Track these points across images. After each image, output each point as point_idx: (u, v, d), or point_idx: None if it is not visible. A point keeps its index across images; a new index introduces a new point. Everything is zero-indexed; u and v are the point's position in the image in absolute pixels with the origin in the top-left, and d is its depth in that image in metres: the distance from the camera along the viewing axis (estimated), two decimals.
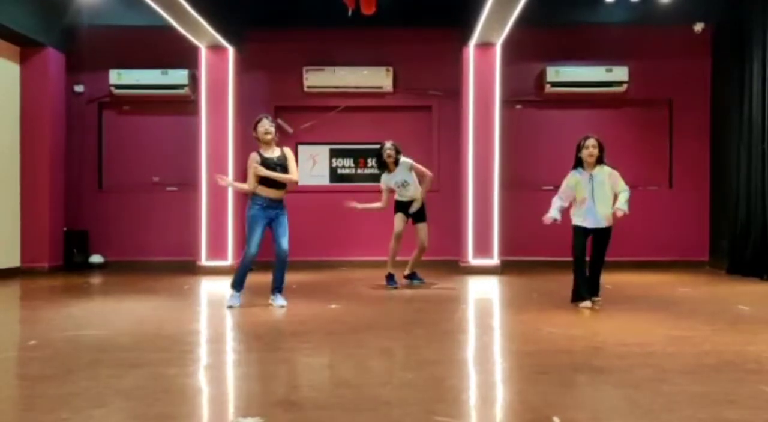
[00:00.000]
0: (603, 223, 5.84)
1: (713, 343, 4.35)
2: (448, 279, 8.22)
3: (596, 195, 5.80)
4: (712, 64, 9.91)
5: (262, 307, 5.94)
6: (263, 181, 5.90)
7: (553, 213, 5.91)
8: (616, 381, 3.46)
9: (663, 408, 2.93)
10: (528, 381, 3.52)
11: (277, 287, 6.01)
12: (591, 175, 5.82)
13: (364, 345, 4.42)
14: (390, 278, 7.44)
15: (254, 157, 5.93)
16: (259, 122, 5.98)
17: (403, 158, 7.42)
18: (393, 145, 7.42)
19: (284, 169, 5.92)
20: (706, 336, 4.60)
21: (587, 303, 5.83)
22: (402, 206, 7.50)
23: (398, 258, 7.52)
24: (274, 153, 5.96)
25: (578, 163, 5.88)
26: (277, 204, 5.94)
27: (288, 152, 6.04)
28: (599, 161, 5.83)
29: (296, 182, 6.14)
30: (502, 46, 8.98)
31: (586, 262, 5.93)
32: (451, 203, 9.54)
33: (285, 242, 5.91)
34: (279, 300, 5.97)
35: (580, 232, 5.87)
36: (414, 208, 7.43)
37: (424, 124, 10.16)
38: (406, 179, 7.40)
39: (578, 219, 5.89)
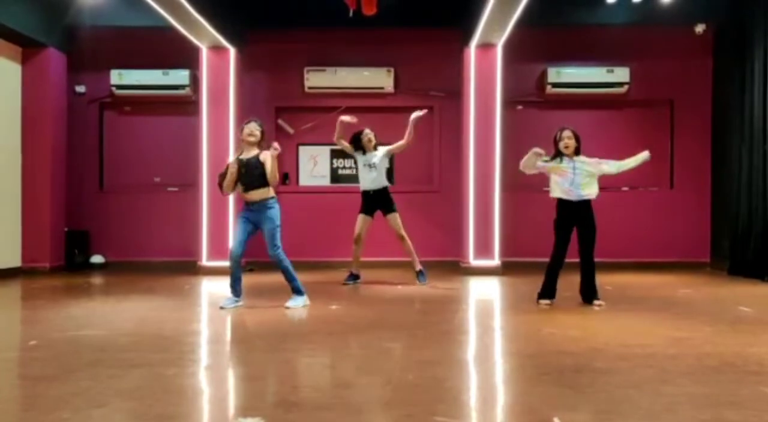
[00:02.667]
0: (580, 195, 5.90)
1: (714, 344, 4.35)
2: (448, 280, 8.21)
3: (578, 172, 5.90)
4: (714, 64, 9.90)
5: (263, 307, 5.93)
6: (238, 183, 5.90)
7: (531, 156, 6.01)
8: (617, 381, 3.46)
9: (664, 409, 2.93)
10: (529, 382, 3.52)
11: (293, 289, 5.95)
12: (572, 159, 5.95)
13: (364, 346, 4.42)
14: (350, 276, 7.67)
15: (233, 159, 6.01)
16: (246, 123, 5.99)
17: (381, 147, 7.64)
18: (371, 130, 7.63)
19: (252, 170, 5.78)
20: (708, 338, 4.60)
21: (547, 302, 5.99)
22: (365, 202, 7.55)
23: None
24: (249, 154, 5.90)
25: (557, 155, 6.01)
26: (256, 206, 5.84)
27: (264, 155, 5.84)
28: (576, 152, 5.97)
29: (275, 181, 5.83)
30: (503, 47, 8.97)
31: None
32: (451, 203, 9.54)
33: (271, 248, 5.81)
34: (292, 301, 5.90)
35: (565, 208, 5.91)
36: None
37: (426, 124, 10.10)
38: (376, 162, 7.51)
39: (561, 192, 5.93)
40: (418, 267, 7.68)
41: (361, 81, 9.94)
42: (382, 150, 7.61)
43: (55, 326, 5.12)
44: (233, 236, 5.98)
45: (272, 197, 5.88)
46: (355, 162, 7.82)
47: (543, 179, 9.80)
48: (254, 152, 5.91)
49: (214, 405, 3.22)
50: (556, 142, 6.03)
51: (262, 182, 5.81)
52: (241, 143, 6.02)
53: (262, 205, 5.83)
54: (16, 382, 3.64)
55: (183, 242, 9.64)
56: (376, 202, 7.54)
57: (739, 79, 8.89)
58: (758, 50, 8.44)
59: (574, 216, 5.93)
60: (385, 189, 7.57)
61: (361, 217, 7.55)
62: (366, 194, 7.57)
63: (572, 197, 5.91)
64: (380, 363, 3.95)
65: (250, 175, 5.80)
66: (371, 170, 7.52)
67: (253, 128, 5.91)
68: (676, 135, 10.09)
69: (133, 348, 4.29)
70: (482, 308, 6.58)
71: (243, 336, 4.97)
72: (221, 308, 5.85)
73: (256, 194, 5.83)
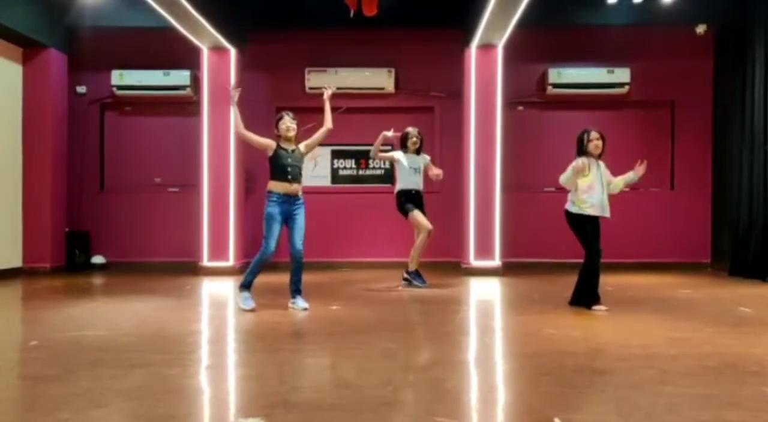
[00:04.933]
0: (607, 213, 5.81)
1: (715, 345, 4.35)
2: (449, 280, 8.21)
3: (603, 183, 5.79)
4: (714, 65, 9.91)
5: (264, 308, 5.92)
6: (275, 175, 5.82)
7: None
8: (617, 382, 3.46)
9: (664, 410, 2.93)
10: (529, 383, 3.52)
11: (296, 290, 5.91)
12: (597, 163, 5.81)
13: (365, 346, 4.42)
14: (418, 275, 7.52)
15: (272, 142, 5.91)
16: (280, 119, 5.95)
17: (425, 154, 7.74)
18: (418, 131, 7.68)
19: (298, 161, 5.86)
20: (708, 338, 4.60)
21: (603, 307, 5.71)
22: (412, 199, 7.52)
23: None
24: (291, 146, 5.91)
25: (582, 155, 5.81)
26: (293, 199, 5.82)
27: (302, 144, 5.98)
28: (600, 156, 5.86)
29: (329, 129, 6.07)
30: (503, 48, 8.97)
31: None
32: (452, 204, 9.54)
33: (299, 242, 5.79)
34: (300, 303, 5.86)
35: (591, 223, 5.76)
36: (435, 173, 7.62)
37: (426, 125, 10.12)
38: (421, 168, 7.60)
39: (588, 208, 5.72)
40: (409, 270, 7.68)
41: (361, 81, 9.96)
42: (426, 160, 7.67)
43: (56, 326, 5.13)
44: (269, 235, 5.73)
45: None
46: (390, 164, 7.78)
47: (543, 181, 9.91)
48: (293, 144, 5.94)
49: (214, 405, 3.22)
50: (581, 143, 5.84)
51: (302, 175, 5.94)
52: (276, 138, 5.95)
53: (299, 198, 5.87)
54: (17, 382, 3.64)
55: (184, 243, 9.65)
56: (419, 200, 7.55)
57: (740, 79, 8.89)
58: (759, 51, 8.44)
59: (596, 225, 5.83)
60: (423, 193, 7.63)
61: (418, 213, 7.47)
62: (410, 192, 7.51)
63: (598, 212, 5.74)
64: (381, 364, 3.96)
65: (296, 167, 5.86)
66: (416, 174, 7.55)
67: (289, 123, 5.90)
68: (676, 136, 10.09)
69: (134, 348, 4.29)
70: (483, 309, 6.58)
71: (243, 336, 4.97)
72: (249, 310, 5.71)
73: (297, 188, 5.86)
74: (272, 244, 5.76)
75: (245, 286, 5.87)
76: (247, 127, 5.97)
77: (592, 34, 9.78)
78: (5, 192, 8.84)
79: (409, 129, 7.70)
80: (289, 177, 5.81)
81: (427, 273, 7.92)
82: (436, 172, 7.62)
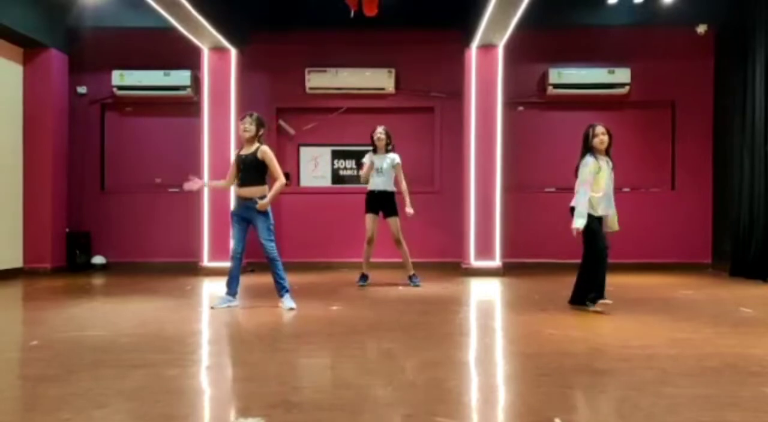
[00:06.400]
0: (610, 211, 5.79)
1: (715, 346, 4.35)
2: (449, 281, 8.21)
3: (611, 182, 5.75)
4: (715, 65, 9.90)
5: (263, 308, 5.93)
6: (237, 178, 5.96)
7: (583, 219, 5.53)
8: (617, 383, 3.46)
9: (665, 411, 2.93)
10: (529, 383, 3.52)
11: (281, 288, 5.91)
12: (606, 160, 5.72)
13: (365, 347, 4.42)
14: (362, 277, 7.67)
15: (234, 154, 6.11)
16: (242, 119, 6.00)
17: (396, 155, 7.63)
18: (384, 129, 7.66)
19: (249, 166, 5.83)
20: (709, 339, 4.60)
21: (608, 300, 5.66)
22: (371, 201, 7.58)
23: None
24: (248, 150, 5.90)
25: (588, 152, 5.68)
26: (248, 202, 5.85)
27: (264, 151, 5.82)
28: (607, 151, 5.73)
29: (283, 183, 5.88)
30: (504, 48, 8.97)
31: None
32: (453, 204, 9.54)
33: (264, 239, 5.81)
34: (287, 302, 5.88)
35: (598, 220, 5.68)
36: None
37: (426, 125, 10.16)
38: (383, 168, 7.56)
39: (598, 209, 5.64)
40: (411, 272, 7.70)
41: (362, 82, 9.96)
42: (392, 159, 7.59)
43: (57, 326, 5.13)
44: (231, 235, 6.02)
45: (265, 196, 5.87)
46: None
47: (543, 181, 9.91)
48: (253, 147, 5.90)
49: (214, 405, 3.23)
50: (587, 139, 5.69)
51: (257, 179, 5.87)
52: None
53: (253, 202, 5.83)
54: (18, 382, 3.64)
55: (184, 243, 9.65)
56: (380, 202, 7.57)
57: (741, 80, 8.89)
58: (759, 51, 8.44)
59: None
60: (391, 193, 7.59)
61: (368, 217, 7.58)
62: (371, 193, 7.63)
63: (605, 211, 5.69)
64: (381, 364, 3.96)
65: (246, 171, 5.86)
66: (378, 174, 7.58)
67: (246, 124, 5.91)
68: (677, 136, 10.09)
69: (135, 348, 4.30)
70: (483, 309, 6.57)
71: (243, 336, 4.97)
72: (212, 308, 5.90)
73: (248, 191, 5.86)
74: (234, 243, 5.96)
75: (226, 286, 6.01)
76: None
77: (593, 34, 9.77)
78: (6, 192, 8.85)
79: (375, 127, 7.73)
80: (239, 182, 5.91)
81: (427, 274, 7.94)
82: (409, 210, 7.51)
